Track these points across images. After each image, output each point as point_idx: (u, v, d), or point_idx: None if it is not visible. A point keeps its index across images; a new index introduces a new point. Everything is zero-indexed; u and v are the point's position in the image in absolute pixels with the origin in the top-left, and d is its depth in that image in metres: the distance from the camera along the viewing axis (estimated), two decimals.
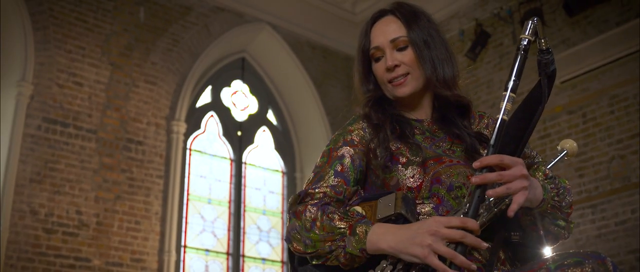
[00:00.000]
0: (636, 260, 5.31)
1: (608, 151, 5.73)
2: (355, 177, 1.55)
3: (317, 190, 1.49)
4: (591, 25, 6.09)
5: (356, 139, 1.59)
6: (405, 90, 1.62)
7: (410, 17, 1.65)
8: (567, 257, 1.37)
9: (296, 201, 1.50)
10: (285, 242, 1.52)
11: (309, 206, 1.46)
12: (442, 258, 1.30)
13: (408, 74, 1.61)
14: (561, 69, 6.06)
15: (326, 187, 1.49)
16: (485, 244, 1.31)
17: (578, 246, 5.51)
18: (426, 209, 1.50)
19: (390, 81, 1.63)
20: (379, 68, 1.65)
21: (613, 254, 5.35)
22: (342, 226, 1.40)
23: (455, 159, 1.56)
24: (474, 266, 1.30)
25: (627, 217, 5.49)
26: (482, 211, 1.36)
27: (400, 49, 1.62)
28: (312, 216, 1.44)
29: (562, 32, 6.27)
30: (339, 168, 1.53)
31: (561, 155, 1.75)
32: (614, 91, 5.82)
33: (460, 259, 1.28)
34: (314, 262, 1.45)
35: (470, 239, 1.30)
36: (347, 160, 1.55)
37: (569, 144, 1.76)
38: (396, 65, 1.61)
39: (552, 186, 1.54)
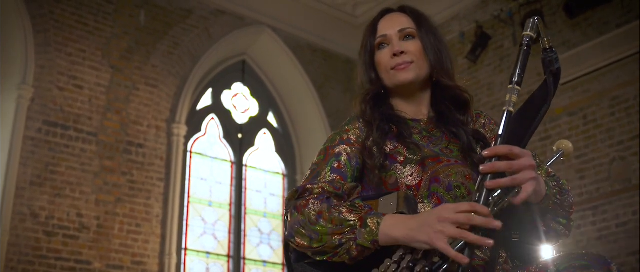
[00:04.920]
0: (637, 262, 5.30)
1: (609, 152, 5.72)
2: (353, 175, 1.54)
3: (315, 185, 1.48)
4: (591, 27, 6.09)
5: (353, 138, 1.60)
6: (408, 75, 1.64)
7: (418, 15, 1.72)
8: (572, 259, 1.36)
9: (294, 197, 1.49)
10: (286, 240, 1.50)
11: (311, 200, 1.44)
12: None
13: (412, 62, 1.65)
14: (561, 70, 6.06)
15: (324, 182, 1.48)
16: (497, 223, 1.29)
17: (579, 248, 5.50)
18: (426, 209, 1.49)
19: (394, 68, 1.65)
20: (383, 55, 1.68)
21: (614, 256, 5.33)
22: (352, 219, 1.39)
23: (453, 159, 1.56)
24: (490, 241, 1.28)
25: (628, 219, 5.48)
26: (490, 199, 1.35)
27: (407, 40, 1.67)
28: (317, 209, 1.42)
29: (562, 34, 6.27)
30: (335, 165, 1.53)
31: (557, 155, 1.77)
32: (615, 93, 5.81)
33: (473, 237, 1.27)
34: (317, 259, 1.43)
35: (479, 220, 1.29)
36: (344, 157, 1.54)
37: (564, 145, 1.79)
38: (402, 52, 1.65)
39: (554, 183, 1.54)
